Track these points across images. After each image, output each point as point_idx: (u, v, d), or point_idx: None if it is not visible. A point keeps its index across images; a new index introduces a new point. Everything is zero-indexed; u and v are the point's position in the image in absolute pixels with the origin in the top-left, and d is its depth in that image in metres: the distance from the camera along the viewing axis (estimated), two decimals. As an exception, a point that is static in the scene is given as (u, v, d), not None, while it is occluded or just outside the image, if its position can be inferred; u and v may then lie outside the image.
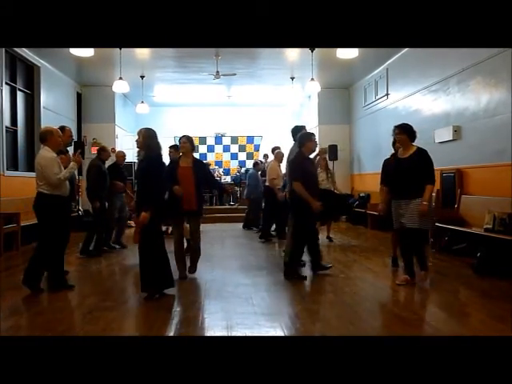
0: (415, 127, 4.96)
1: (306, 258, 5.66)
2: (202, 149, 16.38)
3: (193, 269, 5.36)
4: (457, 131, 7.42)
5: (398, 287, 4.81)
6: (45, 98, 9.94)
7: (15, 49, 8.60)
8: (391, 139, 5.32)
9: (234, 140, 16.55)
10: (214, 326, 3.68)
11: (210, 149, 16.52)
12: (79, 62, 10.02)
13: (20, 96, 9.20)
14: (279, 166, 8.53)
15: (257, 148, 16.46)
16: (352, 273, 5.66)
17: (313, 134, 5.59)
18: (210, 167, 14.64)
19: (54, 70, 10.41)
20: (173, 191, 5.04)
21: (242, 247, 7.99)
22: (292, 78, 11.49)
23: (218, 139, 16.53)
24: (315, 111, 13.40)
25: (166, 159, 6.84)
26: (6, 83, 8.44)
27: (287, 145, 9.78)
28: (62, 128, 5.38)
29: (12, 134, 8.83)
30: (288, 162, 6.03)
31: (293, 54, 9.68)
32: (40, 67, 9.74)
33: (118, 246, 7.51)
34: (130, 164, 11.68)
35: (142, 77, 11.18)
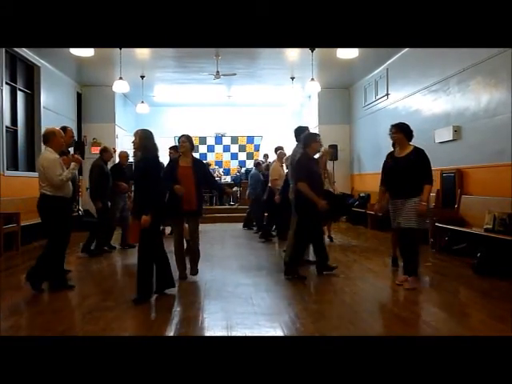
0: (415, 127, 4.96)
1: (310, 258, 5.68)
2: (202, 149, 16.38)
3: (194, 270, 5.32)
4: (457, 131, 7.42)
5: (398, 287, 4.81)
6: (45, 98, 9.95)
7: (15, 49, 8.60)
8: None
9: (234, 140, 16.55)
10: (214, 325, 3.68)
11: (210, 149, 16.52)
12: (79, 62, 10.02)
13: (20, 96, 9.20)
14: (281, 166, 8.51)
15: (257, 148, 16.46)
16: (352, 273, 5.66)
17: (317, 135, 5.58)
18: (210, 167, 14.65)
19: (54, 69, 10.41)
20: (173, 191, 5.03)
21: (241, 247, 7.99)
22: (292, 78, 11.50)
23: (218, 139, 16.53)
24: (315, 111, 13.40)
25: (165, 160, 6.87)
26: (6, 83, 8.44)
27: (288, 144, 9.85)
28: (64, 128, 5.38)
29: (12, 133, 8.83)
30: (291, 162, 6.04)
31: (293, 53, 9.68)
32: (40, 67, 9.74)
33: (126, 247, 7.49)
34: (131, 164, 11.67)
35: (142, 77, 11.18)
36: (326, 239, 8.10)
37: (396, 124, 4.89)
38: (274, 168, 8.54)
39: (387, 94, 10.41)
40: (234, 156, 16.63)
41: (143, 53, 9.53)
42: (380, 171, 5.25)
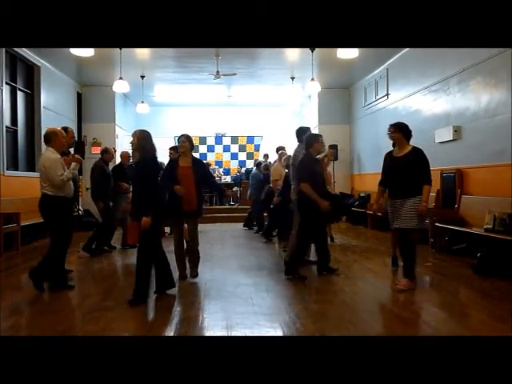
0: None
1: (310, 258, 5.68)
2: (202, 149, 16.38)
3: (194, 272, 5.29)
4: (457, 131, 7.42)
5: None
6: (45, 98, 9.95)
7: (15, 48, 8.60)
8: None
9: (234, 140, 16.55)
10: (214, 325, 3.68)
11: (210, 149, 16.52)
12: (79, 62, 10.02)
13: (20, 96, 9.20)
14: (283, 166, 8.49)
15: (257, 148, 16.46)
16: (352, 273, 5.66)
17: (320, 136, 5.56)
18: (210, 167, 14.65)
19: (54, 69, 10.41)
20: (173, 191, 5.03)
21: (242, 247, 8.00)
22: (292, 78, 11.49)
23: (218, 139, 16.53)
24: (315, 111, 13.40)
25: (165, 160, 6.86)
26: (6, 83, 8.44)
27: (288, 145, 9.84)
28: (65, 129, 5.39)
29: (12, 133, 8.83)
30: (293, 163, 6.04)
31: (293, 53, 9.68)
32: (40, 67, 9.74)
33: (126, 247, 7.49)
34: (131, 165, 11.68)
35: (143, 77, 11.18)
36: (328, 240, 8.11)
37: (394, 124, 4.87)
38: (275, 169, 8.49)
39: (387, 94, 10.41)
40: (234, 156, 16.63)
41: (143, 53, 9.53)
42: (380, 171, 5.25)
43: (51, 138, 4.79)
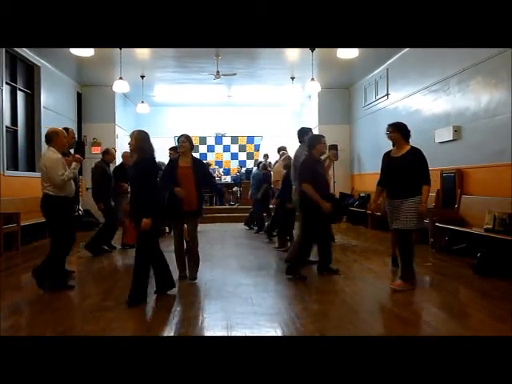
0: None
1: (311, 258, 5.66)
2: (203, 149, 16.38)
3: (192, 275, 5.21)
4: (457, 131, 7.42)
5: (398, 287, 4.82)
6: (45, 98, 9.95)
7: (15, 48, 8.60)
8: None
9: (235, 140, 16.55)
10: (214, 325, 3.68)
11: (210, 149, 16.52)
12: (79, 62, 10.02)
13: (20, 96, 9.20)
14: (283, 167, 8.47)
15: (257, 148, 16.46)
16: (352, 273, 5.66)
17: (322, 137, 5.55)
18: (211, 167, 14.65)
19: (54, 69, 10.41)
20: (173, 192, 5.02)
21: (242, 247, 7.99)
22: (292, 78, 11.49)
23: (218, 139, 16.53)
24: (315, 111, 13.41)
25: (165, 160, 6.85)
26: (7, 83, 8.44)
27: (288, 145, 9.84)
28: (66, 129, 5.39)
29: (12, 133, 8.83)
30: (294, 164, 6.04)
31: (293, 53, 9.67)
32: (40, 67, 9.74)
33: (127, 247, 7.49)
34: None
35: (143, 77, 11.18)
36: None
37: (393, 123, 4.84)
38: (276, 169, 8.46)
39: (387, 94, 10.41)
40: (234, 156, 16.63)
41: (143, 53, 9.53)
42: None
43: (52, 137, 4.79)
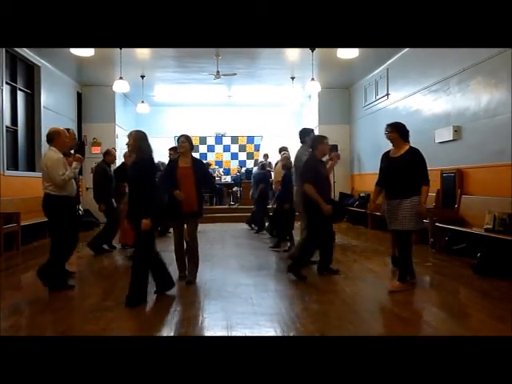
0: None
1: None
2: (203, 149, 16.38)
3: (189, 278, 5.13)
4: (457, 131, 7.42)
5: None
6: (45, 98, 9.95)
7: (15, 48, 8.60)
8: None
9: (235, 140, 16.54)
10: (214, 325, 3.68)
11: (211, 149, 16.52)
12: (79, 62, 10.02)
13: (20, 96, 9.20)
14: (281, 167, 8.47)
15: (257, 148, 16.46)
16: (352, 273, 5.66)
17: (325, 138, 5.53)
18: (211, 167, 14.64)
19: (54, 69, 10.41)
20: (173, 194, 5.00)
21: (242, 247, 7.99)
22: (292, 78, 11.49)
23: (218, 139, 16.52)
24: (315, 111, 13.41)
25: (165, 159, 6.84)
26: (7, 83, 8.45)
27: (289, 145, 9.85)
28: (67, 130, 5.39)
29: (12, 133, 8.83)
30: (295, 164, 6.04)
31: (293, 53, 9.67)
32: (40, 67, 9.74)
33: (127, 247, 7.49)
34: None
35: (143, 76, 11.18)
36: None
37: (391, 123, 4.81)
38: (278, 170, 8.45)
39: (387, 94, 10.41)
40: (234, 156, 16.63)
41: (143, 53, 9.53)
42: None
43: (54, 137, 4.79)
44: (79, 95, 12.18)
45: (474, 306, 4.25)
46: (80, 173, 8.74)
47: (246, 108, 15.82)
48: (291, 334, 3.48)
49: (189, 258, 5.26)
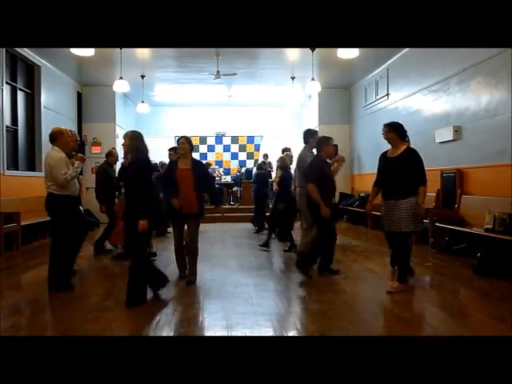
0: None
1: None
2: (203, 148, 16.37)
3: (191, 277, 5.10)
4: (457, 131, 7.42)
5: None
6: (45, 98, 9.95)
7: (16, 48, 8.60)
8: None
9: (235, 140, 16.54)
10: (214, 325, 3.68)
11: (211, 148, 16.52)
12: (80, 62, 10.02)
13: (20, 95, 9.20)
14: (278, 167, 8.47)
15: (257, 148, 16.45)
16: (352, 273, 5.66)
17: (331, 139, 5.52)
18: (211, 167, 14.62)
19: (54, 69, 10.41)
20: (173, 194, 4.98)
21: (242, 247, 7.99)
22: (292, 78, 11.49)
23: (219, 139, 16.52)
24: (315, 111, 13.41)
25: (165, 159, 6.81)
26: (7, 83, 8.45)
27: (289, 144, 9.84)
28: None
29: (12, 133, 8.83)
30: (298, 165, 6.03)
31: (293, 53, 9.67)
32: (40, 67, 9.74)
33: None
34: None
35: (143, 76, 11.18)
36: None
37: (388, 123, 4.77)
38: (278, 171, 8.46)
39: (387, 94, 10.41)
40: (235, 156, 16.63)
41: (143, 52, 9.53)
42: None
43: (57, 137, 4.79)
44: (79, 95, 12.18)
45: (474, 306, 4.25)
46: (80, 173, 8.75)
47: (246, 108, 15.82)
48: (291, 334, 3.48)
49: (188, 258, 5.25)
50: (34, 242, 8.23)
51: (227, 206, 13.75)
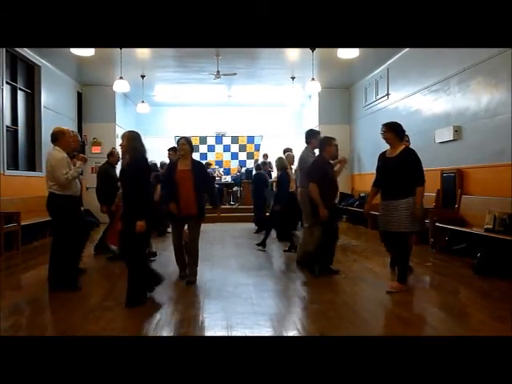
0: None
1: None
2: (203, 148, 16.38)
3: (191, 277, 5.06)
4: (457, 131, 7.42)
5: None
6: (45, 98, 9.95)
7: (16, 48, 8.60)
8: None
9: (235, 140, 16.54)
10: (214, 325, 3.68)
11: (211, 148, 16.52)
12: (80, 62, 10.02)
13: (20, 95, 9.21)
14: (290, 168, 8.42)
15: (257, 148, 16.46)
16: (352, 273, 5.66)
17: (333, 139, 5.51)
18: (211, 167, 14.63)
19: (54, 69, 10.41)
20: (172, 195, 4.96)
21: (242, 247, 7.99)
22: (292, 78, 11.49)
23: (219, 139, 16.53)
24: (315, 111, 13.41)
25: (165, 159, 6.79)
26: (7, 82, 8.45)
27: (288, 144, 9.85)
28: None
29: (12, 133, 8.83)
30: (299, 165, 6.03)
31: (293, 53, 9.67)
32: (41, 66, 9.74)
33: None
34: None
35: (143, 76, 11.18)
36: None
37: (387, 123, 4.75)
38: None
39: (387, 94, 10.41)
40: (235, 156, 16.63)
41: (143, 52, 9.53)
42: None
43: (58, 136, 4.79)
44: (79, 95, 12.18)
45: (474, 306, 4.25)
46: (81, 173, 8.75)
47: (246, 108, 15.82)
48: (291, 334, 3.48)
49: (188, 258, 5.24)
50: (34, 242, 8.23)
51: (227, 206, 13.76)
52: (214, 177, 14.05)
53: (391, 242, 4.69)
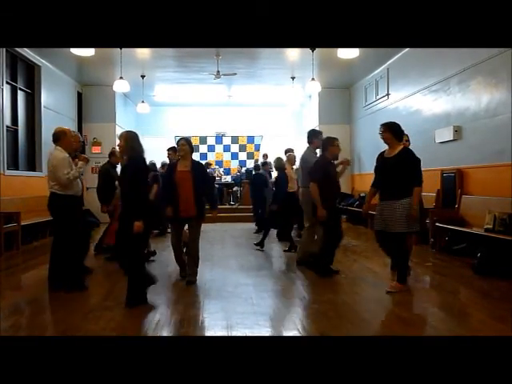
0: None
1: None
2: (203, 148, 16.38)
3: (191, 277, 5.04)
4: (457, 131, 7.42)
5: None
6: (45, 98, 9.95)
7: (16, 48, 8.60)
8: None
9: (235, 140, 16.54)
10: (214, 325, 3.68)
11: (211, 148, 16.52)
12: (80, 62, 10.02)
13: (21, 95, 9.21)
14: (292, 168, 8.42)
15: (257, 148, 16.46)
16: (352, 273, 5.66)
17: (336, 139, 5.51)
18: (211, 167, 14.63)
19: (54, 69, 10.41)
20: (172, 196, 4.94)
21: (242, 247, 8.00)
22: (292, 78, 11.49)
23: (219, 139, 16.53)
24: (315, 111, 13.41)
25: (165, 159, 6.78)
26: (7, 82, 8.45)
27: (288, 144, 9.85)
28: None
29: (12, 133, 8.83)
30: (301, 165, 6.03)
31: (293, 53, 9.67)
32: (41, 66, 9.74)
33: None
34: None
35: (143, 76, 11.18)
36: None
37: (385, 123, 4.74)
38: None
39: (388, 94, 10.41)
40: (235, 156, 16.63)
41: (144, 52, 9.53)
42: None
43: (60, 136, 4.79)
44: (79, 95, 12.18)
45: (474, 306, 4.25)
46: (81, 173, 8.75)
47: (246, 108, 15.82)
48: (291, 334, 3.48)
49: (188, 258, 5.23)
50: (34, 242, 8.23)
51: (227, 206, 13.77)
52: (214, 177, 14.06)
53: (388, 242, 4.67)
